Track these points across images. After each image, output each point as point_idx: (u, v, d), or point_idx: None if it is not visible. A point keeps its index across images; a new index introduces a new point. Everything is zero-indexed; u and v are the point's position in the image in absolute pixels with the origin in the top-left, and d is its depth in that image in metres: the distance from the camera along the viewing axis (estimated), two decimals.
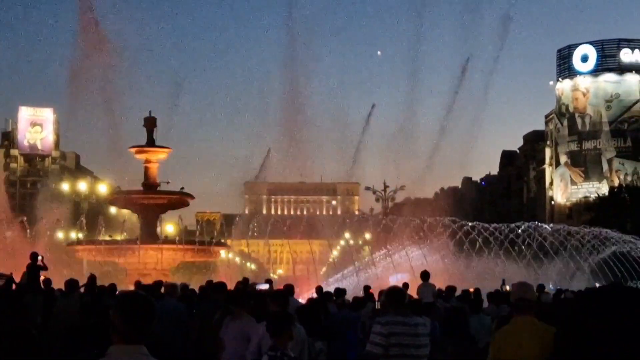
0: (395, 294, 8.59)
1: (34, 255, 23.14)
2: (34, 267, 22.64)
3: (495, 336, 7.95)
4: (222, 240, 51.44)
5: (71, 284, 16.02)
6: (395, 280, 34.99)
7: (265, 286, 24.16)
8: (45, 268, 23.06)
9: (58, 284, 21.22)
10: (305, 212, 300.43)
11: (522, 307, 7.70)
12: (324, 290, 21.06)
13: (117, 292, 17.33)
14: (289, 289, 16.83)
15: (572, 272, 50.86)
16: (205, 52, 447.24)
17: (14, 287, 21.31)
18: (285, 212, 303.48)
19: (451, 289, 21.73)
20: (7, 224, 48.06)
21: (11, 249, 40.99)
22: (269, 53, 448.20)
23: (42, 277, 22.38)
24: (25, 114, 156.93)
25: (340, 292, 18.80)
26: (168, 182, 45.05)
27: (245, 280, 23.08)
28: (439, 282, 26.19)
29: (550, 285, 39.01)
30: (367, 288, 22.19)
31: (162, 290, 16.56)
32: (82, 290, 18.04)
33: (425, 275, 21.86)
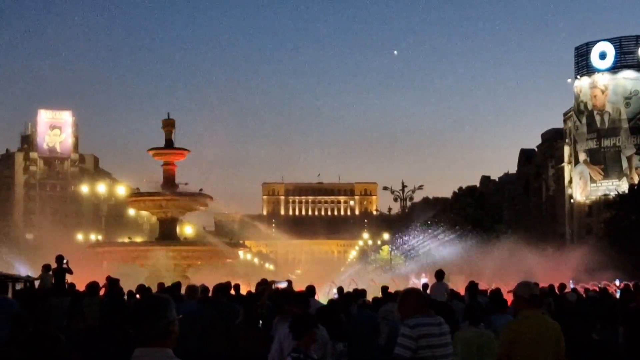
0: (414, 296, 8.51)
1: (59, 258, 23.18)
2: (60, 270, 22.68)
3: (509, 331, 8.60)
4: (241, 241, 51.49)
5: (93, 287, 16.07)
6: (415, 279, 34.92)
7: (285, 284, 24.11)
8: (70, 271, 23.09)
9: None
10: (323, 213, 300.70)
11: (535, 302, 8.66)
12: (345, 292, 20.94)
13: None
14: (311, 291, 16.79)
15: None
16: (222, 54, 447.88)
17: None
18: (303, 213, 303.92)
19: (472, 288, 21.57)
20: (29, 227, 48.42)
21: (34, 251, 41.22)
22: (285, 53, 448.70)
23: (67, 280, 22.47)
24: (44, 117, 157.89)
25: (361, 293, 18.71)
26: (186, 184, 45.12)
27: (264, 280, 23.06)
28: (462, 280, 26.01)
29: (571, 284, 38.74)
30: (385, 289, 22.09)
31: (183, 291, 16.54)
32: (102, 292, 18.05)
33: (439, 274, 21.49)
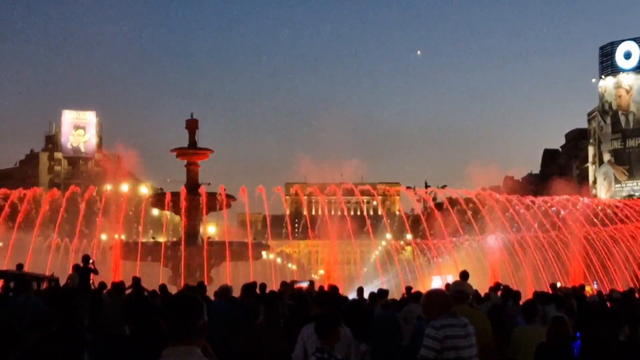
0: (438, 297, 8.48)
1: (85, 258, 23.32)
2: (86, 270, 22.82)
3: None
4: (263, 242, 51.55)
5: (118, 286, 16.13)
6: (439, 280, 34.84)
7: (305, 284, 24.13)
8: (96, 271, 23.23)
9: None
10: (345, 213, 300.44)
11: (460, 297, 9.92)
12: (370, 292, 20.88)
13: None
14: (334, 290, 16.77)
15: None
16: (244, 54, 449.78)
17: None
18: (326, 213, 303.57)
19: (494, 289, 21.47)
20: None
21: (56, 251, 41.45)
22: (308, 56, 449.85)
23: (92, 280, 22.60)
24: (68, 117, 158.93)
25: (383, 293, 18.67)
26: (209, 184, 45.24)
27: (285, 282, 23.09)
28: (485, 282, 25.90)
29: (595, 284, 38.53)
30: (409, 289, 22.03)
31: (208, 291, 16.57)
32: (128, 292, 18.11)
33: (464, 274, 21.36)
